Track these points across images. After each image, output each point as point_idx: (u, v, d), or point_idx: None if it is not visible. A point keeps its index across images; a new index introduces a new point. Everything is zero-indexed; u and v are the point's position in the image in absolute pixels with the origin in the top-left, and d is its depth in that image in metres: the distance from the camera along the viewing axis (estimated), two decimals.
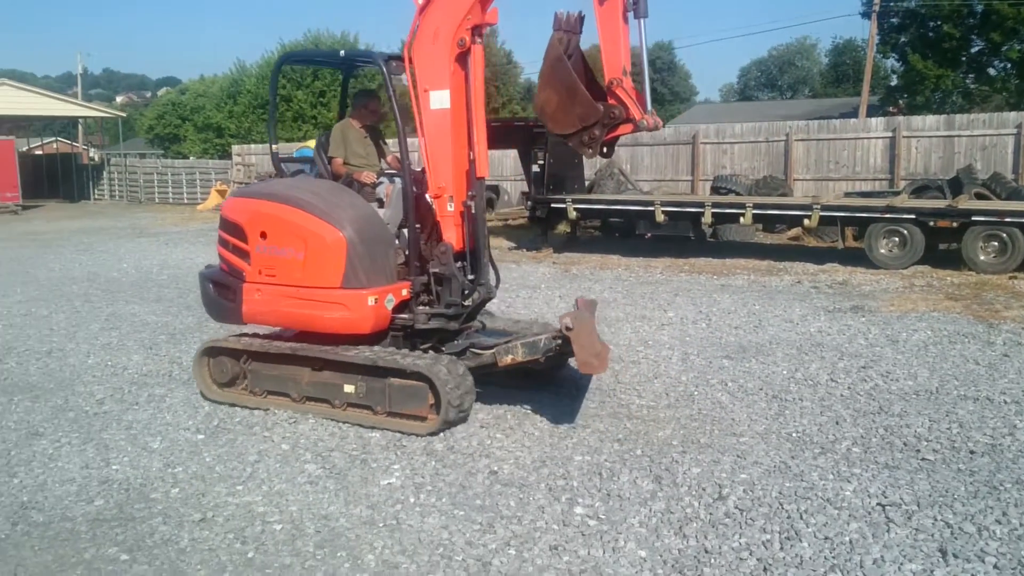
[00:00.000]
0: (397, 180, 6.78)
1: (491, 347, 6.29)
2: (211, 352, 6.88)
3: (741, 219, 14.77)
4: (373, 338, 6.40)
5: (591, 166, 20.70)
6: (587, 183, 19.18)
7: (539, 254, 16.06)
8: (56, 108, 40.82)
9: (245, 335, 6.89)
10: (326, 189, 6.66)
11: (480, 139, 6.14)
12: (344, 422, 6.24)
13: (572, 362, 6.54)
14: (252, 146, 37.70)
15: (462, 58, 6.08)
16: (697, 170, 21.82)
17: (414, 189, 6.51)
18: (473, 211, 6.28)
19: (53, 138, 53.62)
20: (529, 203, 17.15)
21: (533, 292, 11.94)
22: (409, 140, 6.53)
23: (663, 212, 15.12)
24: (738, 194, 17.55)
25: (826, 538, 4.29)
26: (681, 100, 73.28)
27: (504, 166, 27.59)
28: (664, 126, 6.62)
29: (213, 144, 45.13)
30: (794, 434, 5.87)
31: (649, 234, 16.44)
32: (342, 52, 7.14)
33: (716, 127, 23.15)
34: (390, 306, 6.29)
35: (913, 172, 18.73)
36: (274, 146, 7.50)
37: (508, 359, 6.14)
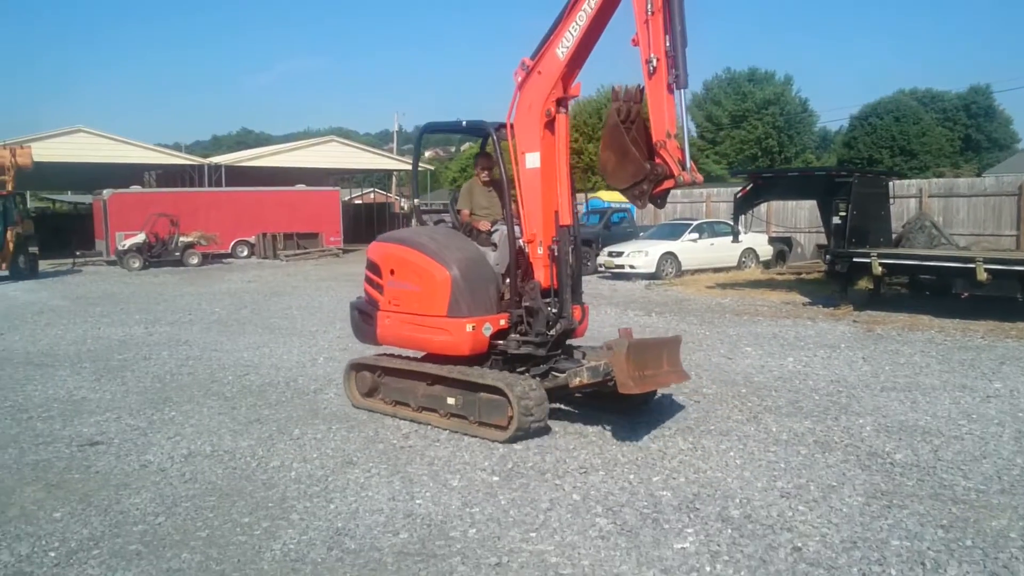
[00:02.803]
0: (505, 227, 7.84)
1: (566, 371, 7.28)
2: (355, 367, 8.35)
3: None
4: (476, 360, 7.53)
5: (897, 218, 19.26)
6: (893, 236, 17.81)
7: (837, 311, 15.07)
8: (374, 162, 45.14)
9: (382, 355, 8.41)
10: (443, 235, 8.05)
11: (564, 192, 7.41)
12: (446, 429, 7.40)
13: None
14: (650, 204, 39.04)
15: (550, 125, 7.32)
16: (1023, 224, 19.55)
17: (516, 235, 7.60)
18: (557, 254, 7.38)
19: (371, 189, 59.24)
20: (828, 256, 16.19)
21: (832, 352, 11.18)
22: None
23: (985, 270, 13.61)
24: None
25: None
26: (1000, 147, 66.67)
27: (797, 217, 26.50)
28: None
29: None
30: None
31: (966, 294, 14.86)
32: (464, 122, 8.35)
33: None
34: (488, 333, 7.44)
35: None
36: (415, 200, 9.83)
37: (577, 381, 7.06)
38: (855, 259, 15.36)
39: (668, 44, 6.54)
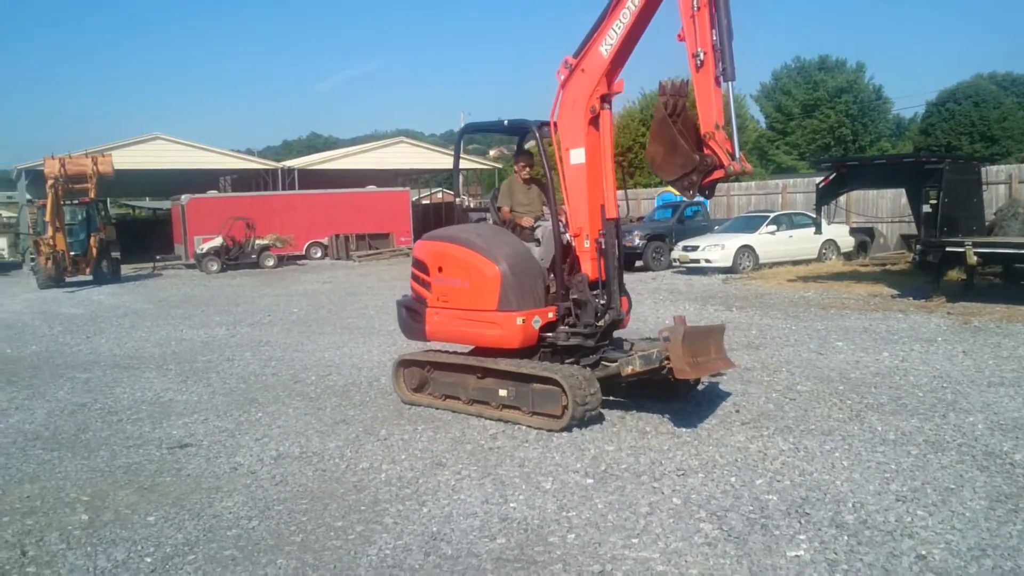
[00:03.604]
0: (550, 223, 7.96)
1: (617, 360, 7.37)
2: (404, 364, 8.49)
3: None
4: (525, 353, 7.68)
5: (989, 205, 18.43)
6: (986, 224, 17.03)
7: (929, 303, 14.43)
8: (441, 162, 45.22)
9: (429, 351, 8.60)
10: (489, 232, 8.24)
11: (609, 186, 7.57)
12: (499, 420, 7.51)
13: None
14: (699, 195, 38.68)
15: (594, 121, 7.46)
16: None
17: (562, 231, 7.75)
18: (603, 247, 7.54)
19: (438, 189, 59.48)
20: (918, 246, 15.54)
21: (929, 346, 10.67)
22: None
23: None
24: None
25: None
26: None
27: (879, 207, 25.66)
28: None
29: None
30: None
31: None
32: (505, 121, 8.42)
33: None
34: (537, 326, 7.60)
35: None
36: (457, 199, 10.11)
37: (629, 369, 7.12)
38: (947, 248, 14.70)
39: (715, 38, 6.67)
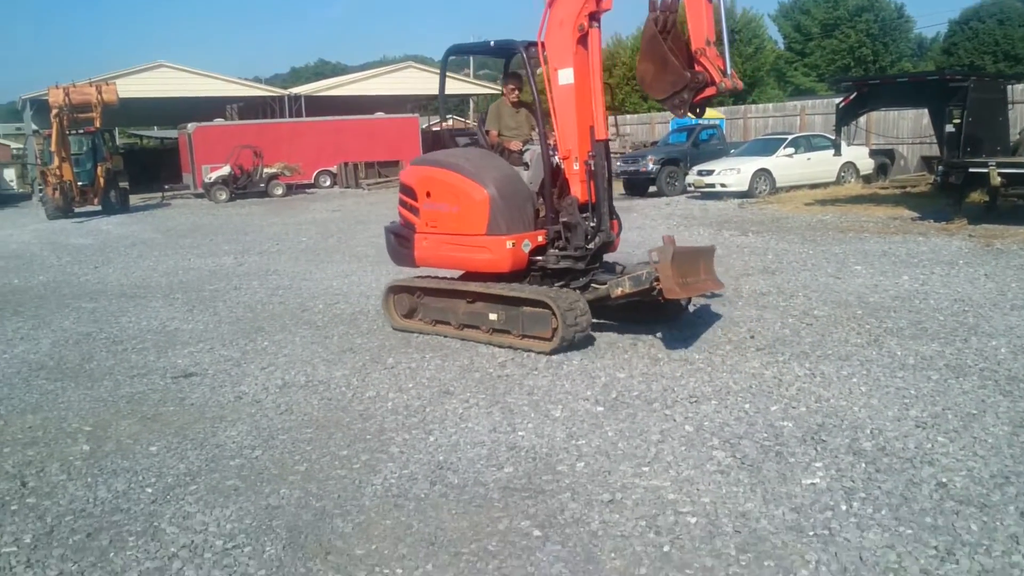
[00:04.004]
0: (538, 146, 7.81)
1: (606, 282, 7.34)
2: (394, 290, 8.42)
3: None
4: (515, 277, 7.64)
5: (1014, 124, 17.88)
6: (1011, 144, 16.53)
7: (950, 226, 14.08)
8: (451, 87, 44.34)
9: (419, 276, 8.43)
10: (477, 155, 8.03)
11: (598, 107, 7.36)
12: (489, 344, 7.52)
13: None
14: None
15: (583, 40, 7.24)
16: None
17: (550, 153, 7.64)
18: (593, 168, 7.38)
19: (448, 115, 58.56)
20: (940, 168, 15.12)
21: (950, 269, 10.40)
22: None
23: None
24: None
25: None
26: None
27: (900, 128, 25.06)
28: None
29: None
30: None
31: None
32: (492, 42, 8.27)
33: None
34: (527, 249, 7.54)
35: None
36: (444, 123, 9.35)
37: (619, 291, 7.15)
38: (971, 169, 14.28)
39: None
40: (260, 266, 13.57)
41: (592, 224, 7.56)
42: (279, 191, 31.97)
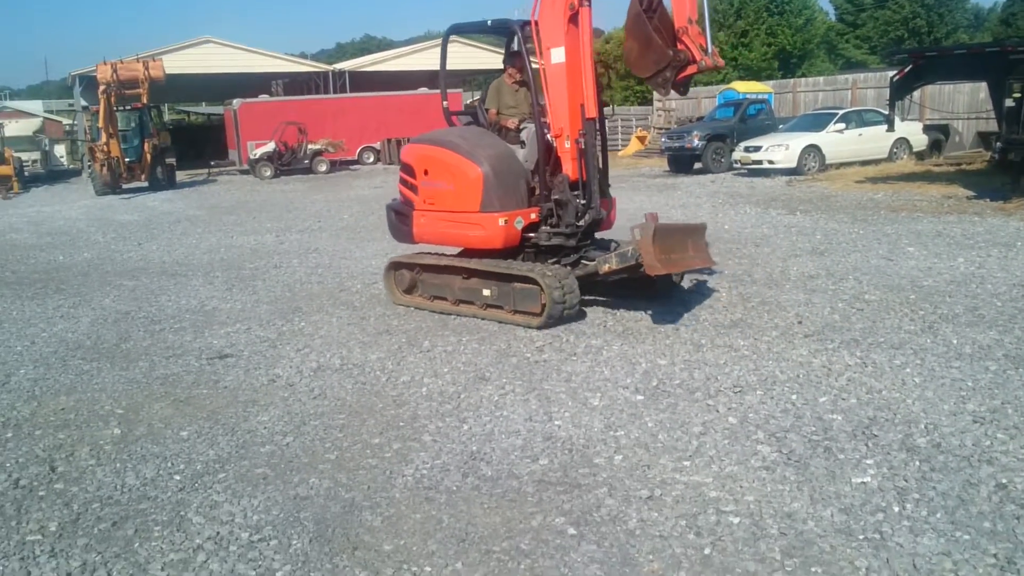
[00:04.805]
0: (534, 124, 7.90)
1: (596, 259, 7.52)
2: (394, 266, 8.68)
3: None
4: (510, 253, 7.82)
5: None
6: None
7: (1008, 205, 13.55)
8: (495, 62, 43.92)
9: (419, 253, 8.60)
10: (473, 134, 8.22)
11: (589, 85, 7.54)
12: (484, 319, 7.74)
13: None
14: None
15: (573, 19, 7.37)
16: None
17: (545, 131, 7.73)
18: (583, 146, 7.52)
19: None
20: (997, 144, 14.56)
21: (1008, 251, 9.98)
22: None
23: None
24: None
25: None
26: None
27: (956, 102, 24.26)
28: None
29: (634, 91, 45.70)
30: None
31: None
32: (489, 21, 8.35)
33: None
34: (519, 226, 7.70)
35: None
36: (444, 102, 8.85)
37: (606, 267, 7.26)
38: None
39: None
40: (301, 244, 13.54)
41: (583, 202, 7.71)
42: (323, 167, 32.07)
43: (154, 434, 5.39)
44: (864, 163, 20.90)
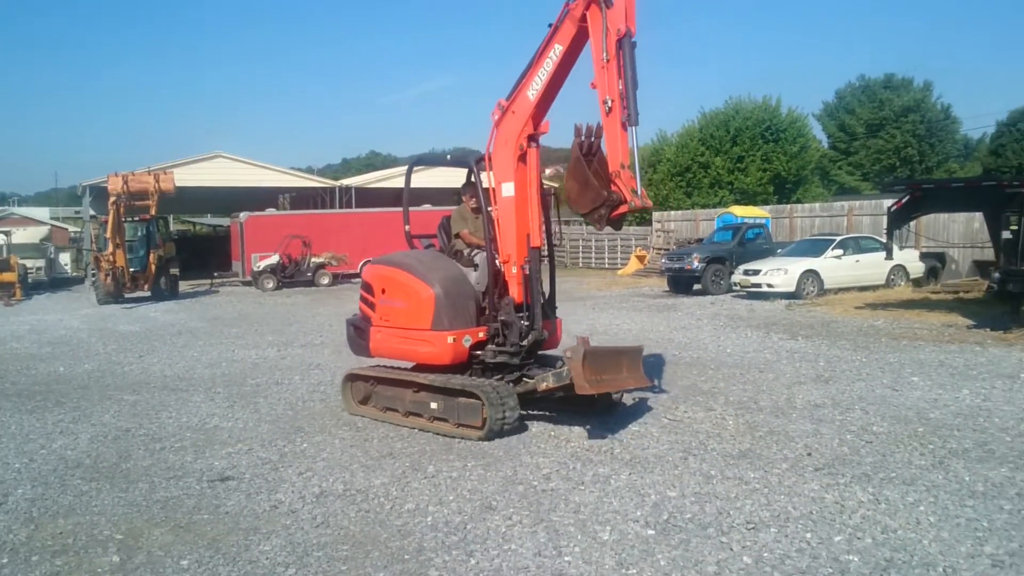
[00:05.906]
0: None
1: (535, 377, 8.14)
2: (351, 378, 9.22)
3: None
4: (459, 369, 8.38)
5: None
6: None
7: (1008, 335, 13.62)
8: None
9: (374, 367, 9.19)
10: (429, 257, 9.00)
11: (534, 217, 8.28)
12: (432, 432, 8.11)
13: None
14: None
15: (523, 158, 8.22)
16: None
17: (495, 257, 8.41)
18: (528, 272, 8.28)
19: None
20: (996, 274, 14.75)
21: (1012, 383, 9.98)
22: None
23: None
24: None
25: None
26: None
27: (951, 231, 24.72)
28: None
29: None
30: None
31: None
32: (448, 155, 9.62)
33: None
34: (468, 344, 8.28)
35: None
36: (407, 226, 9.43)
37: (544, 385, 7.96)
38: None
39: (621, 87, 7.22)
40: (303, 359, 13.51)
41: (526, 323, 8.35)
42: (325, 280, 32.32)
43: (153, 563, 5.25)
44: (862, 289, 21.11)
